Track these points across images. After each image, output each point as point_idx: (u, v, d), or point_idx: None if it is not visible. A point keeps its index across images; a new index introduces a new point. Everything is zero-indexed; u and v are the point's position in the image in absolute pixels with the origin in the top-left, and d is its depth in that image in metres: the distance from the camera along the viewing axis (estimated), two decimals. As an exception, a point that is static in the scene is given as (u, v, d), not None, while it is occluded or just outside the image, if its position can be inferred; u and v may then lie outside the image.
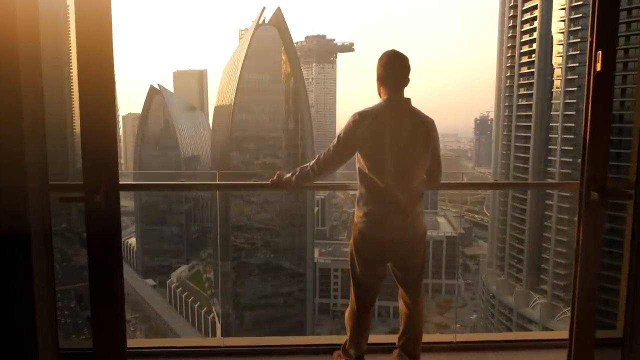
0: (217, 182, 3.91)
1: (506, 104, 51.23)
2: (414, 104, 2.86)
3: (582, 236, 2.52)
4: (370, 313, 3.04)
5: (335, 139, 2.87)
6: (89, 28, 2.17)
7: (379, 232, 2.79)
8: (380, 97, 2.87)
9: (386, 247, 2.85)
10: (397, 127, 2.73)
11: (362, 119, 2.77)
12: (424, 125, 2.80)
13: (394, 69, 2.82)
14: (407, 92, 2.90)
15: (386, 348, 3.17)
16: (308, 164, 2.96)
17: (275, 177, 3.12)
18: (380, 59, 2.85)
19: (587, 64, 2.46)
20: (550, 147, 46.94)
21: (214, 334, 58.24)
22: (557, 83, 46.33)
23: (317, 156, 2.91)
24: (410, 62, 2.86)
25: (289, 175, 3.03)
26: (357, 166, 2.85)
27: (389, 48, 2.83)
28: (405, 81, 2.82)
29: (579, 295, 2.53)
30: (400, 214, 2.77)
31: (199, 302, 62.08)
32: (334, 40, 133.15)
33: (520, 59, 49.37)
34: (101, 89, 2.20)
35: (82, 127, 2.20)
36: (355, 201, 2.91)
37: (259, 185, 3.53)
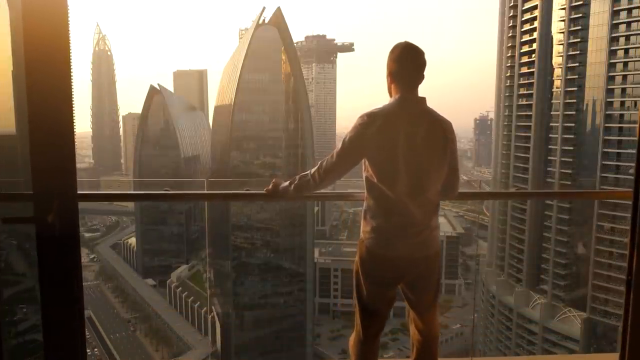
0: (206, 192, 3.49)
1: (506, 104, 51.19)
2: None
3: (637, 257, 2.22)
4: (378, 341, 2.72)
5: (340, 144, 2.53)
6: (39, 21, 1.89)
7: (389, 250, 2.48)
8: (391, 95, 2.53)
9: (397, 267, 2.53)
10: (411, 130, 2.41)
11: (371, 120, 2.43)
12: (441, 128, 2.48)
13: (407, 64, 2.48)
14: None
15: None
16: (308, 171, 2.63)
17: (270, 186, 2.82)
18: (392, 52, 2.50)
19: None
20: (550, 147, 46.90)
21: (214, 334, 58.29)
22: (557, 83, 46.30)
23: (319, 163, 2.59)
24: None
25: (287, 184, 2.73)
26: (364, 174, 2.52)
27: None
28: (420, 78, 2.49)
29: (632, 319, 2.29)
30: (413, 229, 2.46)
31: (199, 302, 62.12)
32: (334, 40, 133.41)
33: (520, 59, 49.34)
34: (55, 79, 1.91)
35: (30, 127, 1.90)
36: (362, 214, 2.57)
37: (253, 195, 3.17)
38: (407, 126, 2.41)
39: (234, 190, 3.45)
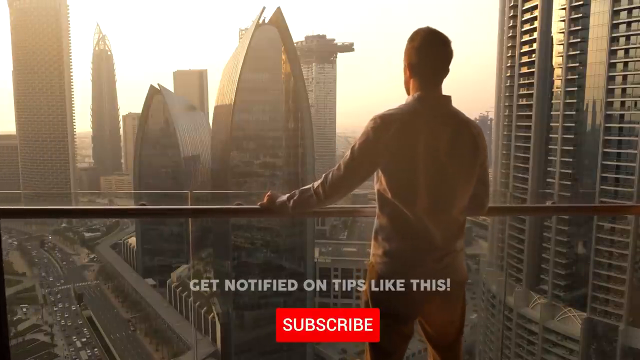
0: (190, 207, 2.92)
1: (506, 104, 51.23)
2: None
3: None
4: None
5: (349, 153, 2.13)
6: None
7: (405, 278, 2.13)
8: (409, 93, 2.14)
9: (415, 298, 2.13)
10: (433, 135, 2.04)
11: (386, 124, 2.03)
12: (470, 134, 2.10)
13: (431, 55, 2.08)
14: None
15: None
16: (311, 185, 2.23)
17: (265, 201, 2.46)
18: (412, 40, 2.09)
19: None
20: (550, 147, 46.91)
21: (214, 334, 58.34)
22: (557, 83, 46.32)
23: (323, 176, 2.19)
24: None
25: (284, 198, 2.35)
26: (375, 187, 2.16)
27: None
28: (445, 72, 2.10)
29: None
30: (434, 253, 2.10)
31: (198, 302, 62.12)
32: (334, 40, 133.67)
33: (520, 59, 49.35)
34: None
35: None
36: (372, 233, 2.21)
37: (245, 211, 2.77)
38: (429, 131, 2.04)
39: (223, 205, 3.01)
